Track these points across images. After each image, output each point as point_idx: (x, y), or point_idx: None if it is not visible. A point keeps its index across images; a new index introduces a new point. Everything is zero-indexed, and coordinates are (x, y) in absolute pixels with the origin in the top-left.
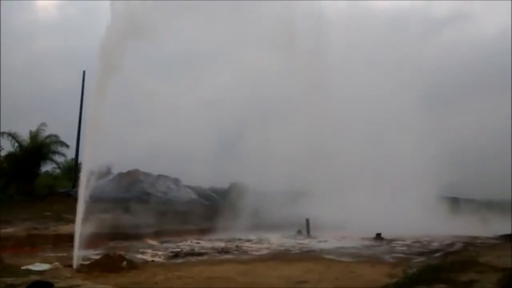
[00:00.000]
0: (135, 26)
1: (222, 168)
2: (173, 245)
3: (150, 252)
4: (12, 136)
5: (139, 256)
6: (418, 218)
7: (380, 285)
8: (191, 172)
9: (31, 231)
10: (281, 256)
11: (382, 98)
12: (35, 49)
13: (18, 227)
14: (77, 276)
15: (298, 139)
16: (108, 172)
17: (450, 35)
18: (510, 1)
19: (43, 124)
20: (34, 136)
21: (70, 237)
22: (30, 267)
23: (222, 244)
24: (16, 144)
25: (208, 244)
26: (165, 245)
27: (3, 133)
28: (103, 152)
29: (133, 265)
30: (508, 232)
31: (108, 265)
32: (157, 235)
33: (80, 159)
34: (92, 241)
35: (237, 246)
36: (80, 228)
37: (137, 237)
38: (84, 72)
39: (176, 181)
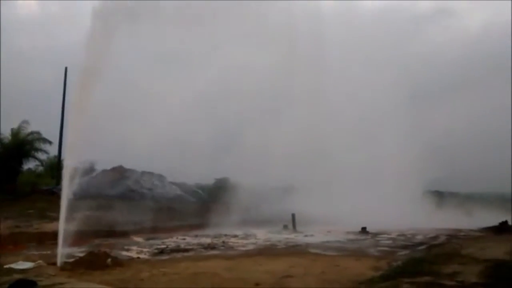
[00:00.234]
0: (123, 9)
1: (211, 164)
2: (159, 242)
3: (135, 249)
4: None
5: (124, 253)
6: (403, 212)
7: (365, 278)
8: (176, 169)
9: (13, 230)
10: (267, 251)
11: (369, 95)
12: (17, 46)
13: (0, 226)
14: (61, 274)
15: (287, 136)
16: (92, 169)
17: (435, 32)
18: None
19: (25, 121)
20: (15, 133)
21: (54, 235)
22: (13, 265)
23: (208, 240)
24: None
25: (194, 240)
26: (150, 241)
27: None
28: (86, 149)
29: (118, 262)
30: (490, 224)
31: (93, 262)
32: (142, 232)
33: (63, 156)
34: (76, 239)
35: (223, 242)
36: (64, 225)
37: (122, 234)
38: (66, 68)
39: (161, 177)
